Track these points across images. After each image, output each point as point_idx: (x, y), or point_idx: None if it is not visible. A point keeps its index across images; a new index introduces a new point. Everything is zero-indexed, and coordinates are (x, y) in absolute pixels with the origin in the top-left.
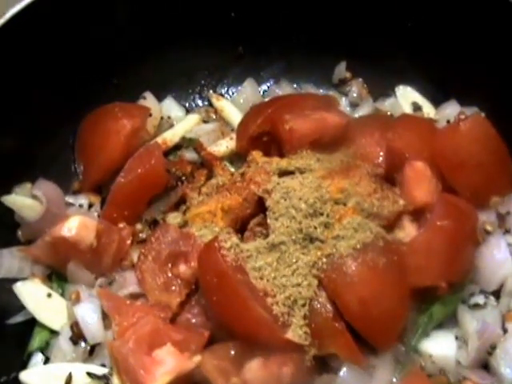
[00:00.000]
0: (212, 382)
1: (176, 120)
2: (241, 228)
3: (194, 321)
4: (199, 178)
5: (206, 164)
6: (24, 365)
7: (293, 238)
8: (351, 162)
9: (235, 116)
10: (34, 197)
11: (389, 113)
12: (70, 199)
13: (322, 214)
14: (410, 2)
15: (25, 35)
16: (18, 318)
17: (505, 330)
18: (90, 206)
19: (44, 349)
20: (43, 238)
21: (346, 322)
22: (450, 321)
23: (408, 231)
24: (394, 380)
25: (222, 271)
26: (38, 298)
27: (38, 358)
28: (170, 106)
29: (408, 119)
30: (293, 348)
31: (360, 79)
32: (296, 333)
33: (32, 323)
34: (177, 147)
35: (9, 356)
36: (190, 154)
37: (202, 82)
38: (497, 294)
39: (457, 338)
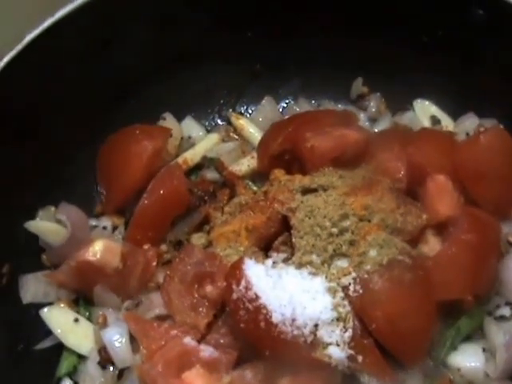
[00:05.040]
0: None
1: (196, 140)
2: (265, 247)
3: (221, 341)
4: (222, 198)
5: (228, 183)
6: None
7: (318, 256)
8: (373, 177)
9: (255, 134)
10: (58, 221)
11: (407, 127)
12: (93, 222)
13: (347, 232)
14: (426, 17)
15: (43, 59)
16: (46, 344)
17: None
18: (114, 228)
19: (72, 374)
20: (68, 263)
21: (373, 338)
22: (476, 333)
23: (432, 245)
24: None
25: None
26: (65, 323)
27: (67, 383)
28: (190, 126)
29: (428, 133)
30: (321, 366)
31: (378, 94)
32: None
33: (60, 348)
34: (198, 167)
35: (37, 382)
36: (211, 174)
37: (221, 101)
38: None
39: (484, 350)
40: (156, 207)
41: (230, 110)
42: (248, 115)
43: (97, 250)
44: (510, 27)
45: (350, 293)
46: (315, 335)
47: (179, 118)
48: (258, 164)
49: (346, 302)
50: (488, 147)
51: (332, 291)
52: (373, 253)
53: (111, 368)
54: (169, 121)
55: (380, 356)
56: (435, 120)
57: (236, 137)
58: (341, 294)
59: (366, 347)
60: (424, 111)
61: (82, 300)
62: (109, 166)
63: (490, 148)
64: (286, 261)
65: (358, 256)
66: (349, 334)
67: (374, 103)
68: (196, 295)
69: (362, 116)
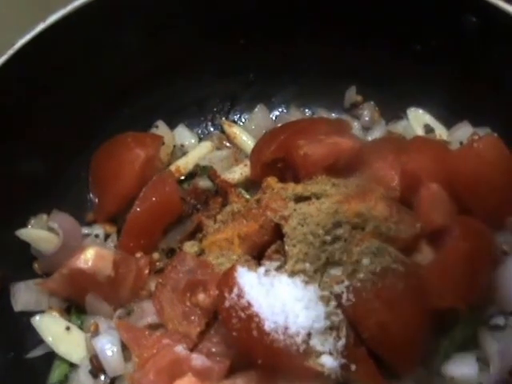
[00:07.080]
0: None
1: (189, 148)
2: (258, 255)
3: (214, 350)
4: (214, 206)
5: (221, 191)
6: None
7: (311, 265)
8: (366, 185)
9: (248, 142)
10: (50, 229)
11: (401, 135)
12: (85, 230)
13: (340, 240)
14: (419, 26)
15: (34, 65)
16: (37, 352)
17: None
18: (106, 236)
19: (64, 382)
20: (60, 271)
21: (366, 346)
22: (470, 342)
23: (425, 254)
24: None
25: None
26: (56, 331)
27: None
28: (183, 134)
29: (421, 141)
30: (314, 375)
31: (371, 102)
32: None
33: (51, 357)
34: (191, 175)
35: None
36: (203, 182)
37: (214, 109)
38: None
39: (478, 359)
40: (148, 215)
41: (223, 118)
42: (241, 123)
43: (89, 258)
44: (502, 35)
45: (343, 301)
46: (308, 344)
47: (172, 126)
48: (251, 172)
49: (338, 311)
50: (482, 156)
51: (325, 300)
52: (366, 261)
53: (103, 377)
54: (161, 129)
55: (373, 365)
56: (429, 128)
57: (229, 145)
58: (334, 303)
59: (359, 356)
60: (418, 120)
61: (74, 308)
62: (101, 174)
63: (484, 156)
64: (278, 269)
65: (351, 264)
66: (342, 342)
67: (367, 112)
68: (188, 303)
69: (355, 124)
